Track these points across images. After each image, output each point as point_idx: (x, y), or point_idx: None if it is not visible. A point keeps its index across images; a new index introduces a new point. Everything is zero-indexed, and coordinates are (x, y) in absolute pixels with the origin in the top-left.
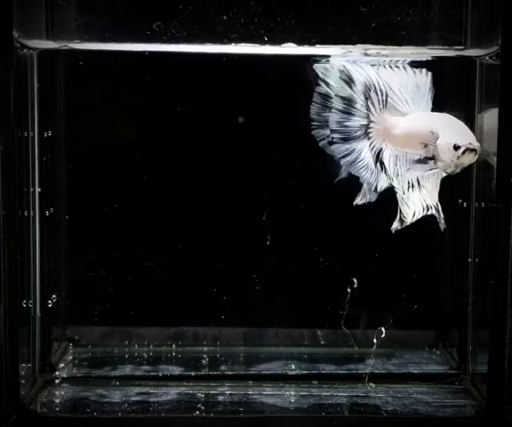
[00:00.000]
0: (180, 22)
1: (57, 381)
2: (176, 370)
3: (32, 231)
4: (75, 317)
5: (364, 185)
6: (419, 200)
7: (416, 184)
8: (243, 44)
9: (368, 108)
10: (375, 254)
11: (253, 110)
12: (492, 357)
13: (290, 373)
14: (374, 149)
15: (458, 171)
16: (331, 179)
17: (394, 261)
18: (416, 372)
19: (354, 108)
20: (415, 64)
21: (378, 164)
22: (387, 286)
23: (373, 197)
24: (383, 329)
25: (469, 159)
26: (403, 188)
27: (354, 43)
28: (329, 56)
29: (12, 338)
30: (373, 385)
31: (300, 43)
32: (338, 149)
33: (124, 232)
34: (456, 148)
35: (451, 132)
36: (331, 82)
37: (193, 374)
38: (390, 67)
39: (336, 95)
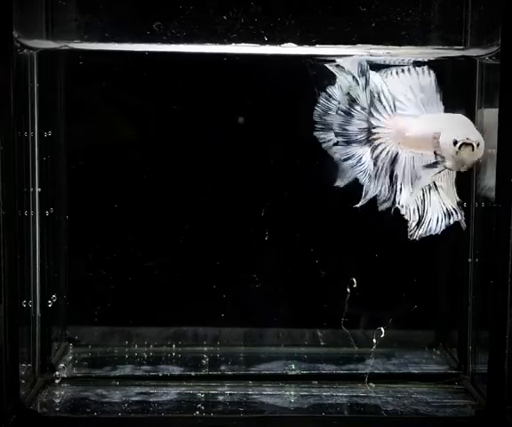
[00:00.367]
0: (179, 22)
1: (57, 381)
2: (176, 370)
3: (32, 231)
4: (75, 317)
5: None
6: (438, 203)
7: (433, 186)
8: (243, 44)
9: (373, 114)
10: (375, 254)
11: (253, 110)
12: (492, 357)
13: (290, 373)
14: (390, 154)
15: (464, 169)
16: (331, 179)
17: (394, 261)
18: (416, 372)
19: (358, 111)
20: (416, 64)
21: (388, 177)
22: (387, 286)
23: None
24: (382, 329)
25: (467, 154)
26: (423, 191)
27: (354, 43)
28: (332, 56)
29: (12, 338)
30: (373, 385)
31: (300, 43)
32: (340, 152)
33: (124, 232)
34: (454, 143)
35: (452, 129)
36: (342, 82)
37: (193, 374)
38: (396, 72)
39: (347, 95)
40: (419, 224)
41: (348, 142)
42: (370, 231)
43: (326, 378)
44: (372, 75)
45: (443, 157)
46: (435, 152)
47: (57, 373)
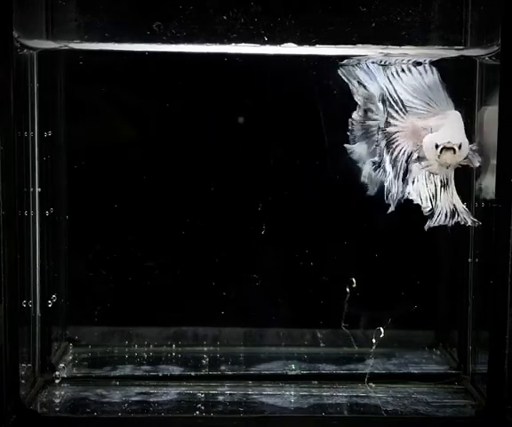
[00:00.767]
0: (179, 22)
1: (57, 381)
2: (176, 370)
3: (32, 231)
4: (75, 317)
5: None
6: (446, 200)
7: (446, 183)
8: (243, 44)
9: (390, 122)
10: (375, 254)
11: (254, 110)
12: (492, 357)
13: (290, 373)
14: (406, 153)
15: (449, 169)
16: (331, 178)
17: (394, 261)
18: (416, 372)
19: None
20: (417, 63)
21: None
22: (387, 286)
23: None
24: (382, 329)
25: (448, 158)
26: (435, 185)
27: (354, 43)
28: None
29: (12, 338)
30: (373, 385)
31: (300, 43)
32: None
33: (124, 232)
34: (436, 146)
35: (439, 132)
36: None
37: (193, 374)
38: (397, 72)
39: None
40: (431, 215)
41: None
42: (370, 231)
43: (326, 378)
44: (380, 77)
45: (426, 159)
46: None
47: (57, 373)
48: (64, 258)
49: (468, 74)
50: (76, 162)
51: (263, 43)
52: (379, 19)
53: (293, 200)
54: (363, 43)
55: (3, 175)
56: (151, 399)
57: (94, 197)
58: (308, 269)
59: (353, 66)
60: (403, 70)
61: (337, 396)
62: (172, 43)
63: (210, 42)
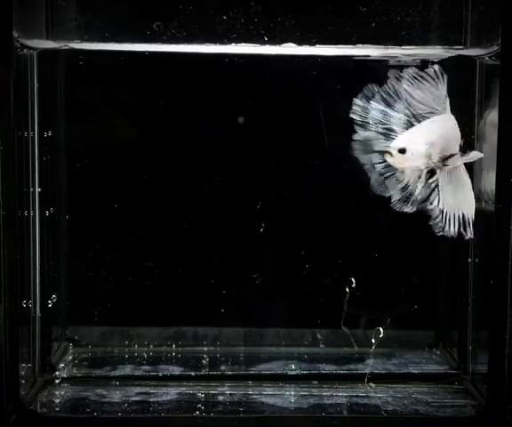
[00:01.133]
0: (180, 22)
1: (57, 381)
2: (176, 370)
3: (32, 231)
4: (75, 317)
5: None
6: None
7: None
8: (243, 44)
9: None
10: (375, 254)
11: (254, 110)
12: (492, 357)
13: (290, 373)
14: None
15: (411, 175)
16: (332, 178)
17: (394, 261)
18: (416, 372)
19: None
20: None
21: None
22: (387, 286)
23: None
24: (381, 329)
25: (390, 160)
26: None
27: (354, 43)
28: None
29: (12, 338)
30: (373, 385)
31: (300, 43)
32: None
33: (124, 232)
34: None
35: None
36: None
37: (193, 374)
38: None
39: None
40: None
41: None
42: (370, 231)
43: (326, 378)
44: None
45: None
46: None
47: (57, 373)
48: (64, 258)
49: (467, 74)
50: (76, 162)
51: (263, 43)
52: (379, 19)
53: (293, 200)
54: (363, 43)
55: (3, 175)
56: (151, 399)
57: (94, 197)
58: (308, 268)
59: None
60: (415, 79)
61: (337, 396)
62: (172, 43)
63: (210, 42)
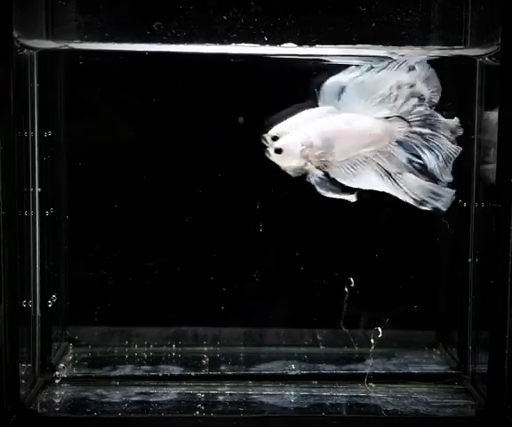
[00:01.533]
0: (180, 22)
1: (57, 381)
2: (176, 370)
3: (32, 231)
4: (75, 317)
5: None
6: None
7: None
8: (243, 44)
9: None
10: (375, 254)
11: (254, 110)
12: (492, 357)
13: (290, 373)
14: None
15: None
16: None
17: (394, 261)
18: (416, 372)
19: None
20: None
21: None
22: (387, 286)
23: None
24: (380, 329)
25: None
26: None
27: (354, 43)
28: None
29: (12, 338)
30: (373, 385)
31: (300, 43)
32: None
33: (124, 232)
34: None
35: None
36: None
37: (193, 374)
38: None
39: None
40: None
41: None
42: (370, 231)
43: (326, 378)
44: None
45: None
46: None
47: (57, 373)
48: (64, 258)
49: (467, 74)
50: (76, 162)
51: (263, 43)
52: (379, 19)
53: (293, 200)
54: (363, 43)
55: (3, 175)
56: (151, 399)
57: (94, 197)
58: (309, 268)
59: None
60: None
61: (337, 396)
62: (172, 43)
63: (210, 42)
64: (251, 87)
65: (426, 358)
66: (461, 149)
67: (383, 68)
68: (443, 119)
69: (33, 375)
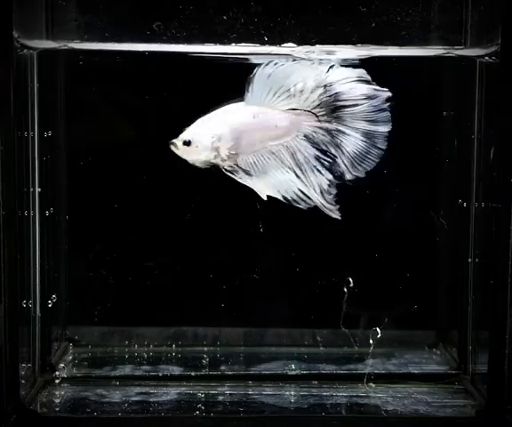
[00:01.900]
0: (179, 22)
1: (57, 381)
2: (176, 370)
3: (32, 231)
4: (75, 317)
5: None
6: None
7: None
8: (243, 44)
9: None
10: (375, 254)
11: None
12: (492, 357)
13: (290, 373)
14: None
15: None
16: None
17: (394, 261)
18: (416, 372)
19: None
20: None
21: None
22: (387, 286)
23: None
24: (378, 330)
25: (177, 153)
26: None
27: (354, 43)
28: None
29: (12, 338)
30: (373, 385)
31: (300, 43)
32: None
33: (124, 232)
34: None
35: None
36: None
37: (193, 374)
38: None
39: None
40: None
41: None
42: (370, 231)
43: (326, 378)
44: None
45: None
46: None
47: (57, 373)
48: (64, 258)
49: (467, 74)
50: (76, 162)
51: (263, 43)
52: (379, 19)
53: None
54: (363, 43)
55: (3, 175)
56: (151, 399)
57: (94, 197)
58: (309, 268)
59: None
60: None
61: (337, 396)
62: (172, 43)
63: (210, 42)
64: None
65: (426, 358)
66: (373, 143)
67: (292, 62)
68: (357, 109)
69: (33, 375)
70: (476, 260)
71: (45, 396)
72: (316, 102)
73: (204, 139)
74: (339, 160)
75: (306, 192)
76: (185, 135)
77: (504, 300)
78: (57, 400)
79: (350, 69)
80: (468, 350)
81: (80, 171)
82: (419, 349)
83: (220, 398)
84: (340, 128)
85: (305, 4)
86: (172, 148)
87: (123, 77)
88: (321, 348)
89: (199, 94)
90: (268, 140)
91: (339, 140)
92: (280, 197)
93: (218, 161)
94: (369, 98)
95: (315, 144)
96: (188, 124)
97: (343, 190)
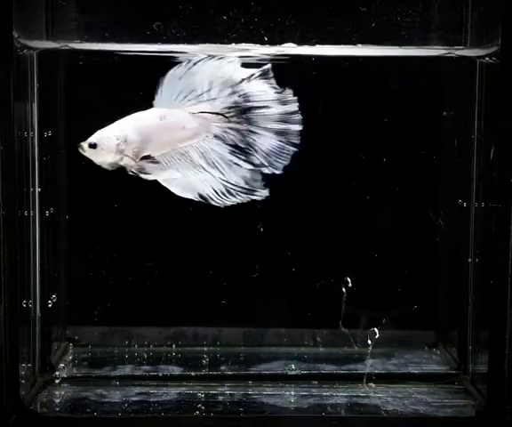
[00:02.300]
0: (180, 22)
1: (57, 381)
2: (176, 370)
3: (32, 231)
4: (75, 317)
5: None
6: None
7: None
8: (243, 44)
9: None
10: (375, 254)
11: None
12: (492, 357)
13: (290, 373)
14: None
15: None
16: (330, 176)
17: (394, 260)
18: (416, 372)
19: None
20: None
21: None
22: (387, 286)
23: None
24: (376, 330)
25: (85, 155)
26: None
27: (354, 43)
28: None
29: (12, 338)
30: (373, 385)
31: (300, 43)
32: None
33: (124, 232)
34: None
35: None
36: None
37: (193, 374)
38: None
39: None
40: None
41: None
42: (370, 231)
43: (326, 378)
44: None
45: None
46: None
47: (57, 373)
48: (64, 258)
49: (467, 74)
50: (76, 162)
51: (263, 43)
52: (379, 19)
53: (293, 199)
54: (363, 43)
55: (3, 175)
56: (151, 399)
57: (94, 197)
58: (309, 268)
59: None
60: None
61: (337, 396)
62: (172, 43)
63: (210, 42)
64: None
65: (426, 358)
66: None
67: (200, 63)
68: (267, 111)
69: (33, 375)
70: (476, 260)
71: (45, 396)
72: (226, 104)
73: (108, 141)
74: (253, 156)
75: (219, 192)
76: (91, 138)
77: (504, 300)
78: (57, 400)
79: (259, 70)
80: (468, 350)
81: (80, 171)
82: (418, 349)
83: (220, 398)
84: (252, 129)
85: (305, 3)
86: (80, 150)
87: (123, 77)
88: (321, 348)
89: None
90: (177, 141)
91: (251, 140)
92: (196, 197)
93: (126, 163)
94: (278, 100)
95: (227, 143)
96: None
97: (343, 190)
